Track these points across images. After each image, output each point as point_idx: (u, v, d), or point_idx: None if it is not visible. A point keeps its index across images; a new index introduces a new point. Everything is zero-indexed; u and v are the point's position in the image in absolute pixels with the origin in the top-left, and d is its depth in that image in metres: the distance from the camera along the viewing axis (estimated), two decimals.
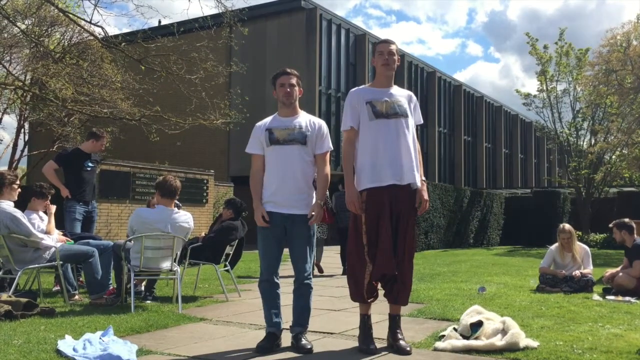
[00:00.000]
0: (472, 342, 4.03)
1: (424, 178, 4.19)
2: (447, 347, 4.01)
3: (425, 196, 4.09)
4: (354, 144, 4.16)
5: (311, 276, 4.22)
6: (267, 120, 4.33)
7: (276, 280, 4.20)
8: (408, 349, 3.95)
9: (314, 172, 4.26)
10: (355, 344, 4.17)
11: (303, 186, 4.17)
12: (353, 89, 4.30)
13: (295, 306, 4.19)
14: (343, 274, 9.78)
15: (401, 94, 4.22)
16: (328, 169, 4.27)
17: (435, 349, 4.03)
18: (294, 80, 4.24)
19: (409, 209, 4.05)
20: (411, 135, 4.13)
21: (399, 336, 4.04)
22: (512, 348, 3.92)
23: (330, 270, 10.60)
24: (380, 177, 4.01)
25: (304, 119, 4.28)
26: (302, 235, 4.15)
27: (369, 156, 4.06)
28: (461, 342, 4.04)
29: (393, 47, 4.15)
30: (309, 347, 4.02)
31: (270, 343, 4.05)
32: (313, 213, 4.10)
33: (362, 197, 4.03)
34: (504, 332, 4.10)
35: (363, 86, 4.36)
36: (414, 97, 4.31)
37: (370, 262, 3.98)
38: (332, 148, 4.34)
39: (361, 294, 4.07)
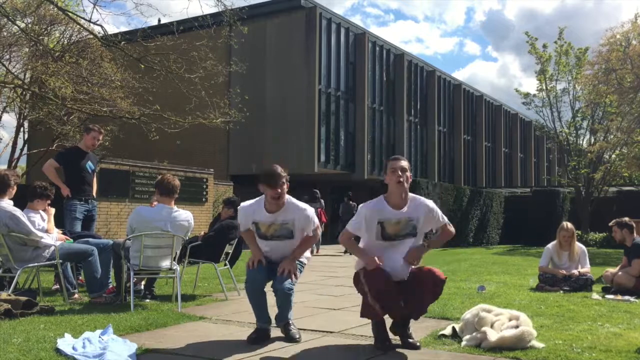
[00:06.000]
0: (490, 333, 3.99)
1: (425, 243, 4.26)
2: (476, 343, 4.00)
3: (416, 260, 4.12)
4: (351, 241, 4.30)
5: (293, 285, 4.34)
6: (254, 207, 4.47)
7: (262, 282, 4.36)
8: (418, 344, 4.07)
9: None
10: (354, 342, 4.19)
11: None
12: (371, 203, 4.18)
13: (277, 304, 4.34)
14: (345, 252, 14.73)
15: (416, 213, 4.11)
16: (313, 241, 4.61)
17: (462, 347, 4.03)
18: (283, 180, 4.34)
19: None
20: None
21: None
22: (523, 339, 3.93)
23: (328, 259, 11.14)
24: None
25: (289, 210, 4.41)
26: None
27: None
28: (494, 336, 3.98)
29: (404, 163, 4.10)
30: (297, 336, 4.27)
31: (261, 336, 4.28)
32: (286, 267, 4.31)
33: (362, 271, 4.11)
34: (517, 327, 4.09)
35: (381, 199, 4.18)
36: (431, 207, 4.16)
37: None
38: (318, 224, 4.59)
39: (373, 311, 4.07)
